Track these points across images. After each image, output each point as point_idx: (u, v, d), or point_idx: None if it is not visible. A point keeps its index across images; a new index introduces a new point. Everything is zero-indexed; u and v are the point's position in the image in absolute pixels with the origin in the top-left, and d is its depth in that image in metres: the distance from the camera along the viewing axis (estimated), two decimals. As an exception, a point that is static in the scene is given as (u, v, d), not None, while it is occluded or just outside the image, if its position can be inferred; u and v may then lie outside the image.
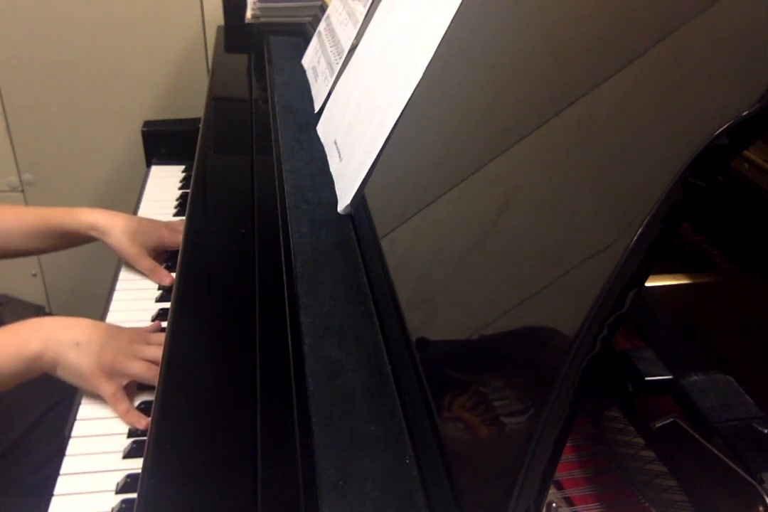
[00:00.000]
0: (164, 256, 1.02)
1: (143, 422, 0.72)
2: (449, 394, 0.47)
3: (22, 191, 1.68)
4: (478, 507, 0.40)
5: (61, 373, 0.75)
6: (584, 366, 0.36)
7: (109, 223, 0.96)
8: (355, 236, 0.69)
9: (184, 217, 0.84)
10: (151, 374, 0.75)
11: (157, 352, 0.74)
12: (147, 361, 0.76)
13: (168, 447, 0.49)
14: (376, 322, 0.58)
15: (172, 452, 0.49)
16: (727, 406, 0.44)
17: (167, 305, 0.84)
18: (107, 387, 0.73)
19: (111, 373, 0.74)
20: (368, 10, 0.91)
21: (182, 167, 1.32)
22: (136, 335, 0.79)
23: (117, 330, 0.79)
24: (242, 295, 0.63)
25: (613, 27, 0.46)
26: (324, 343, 0.55)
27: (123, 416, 0.73)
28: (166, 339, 0.60)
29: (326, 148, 0.84)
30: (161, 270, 0.98)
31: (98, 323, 0.80)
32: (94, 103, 1.62)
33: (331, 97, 0.90)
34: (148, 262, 0.97)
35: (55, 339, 0.74)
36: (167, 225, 1.04)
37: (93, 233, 0.97)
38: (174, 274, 0.95)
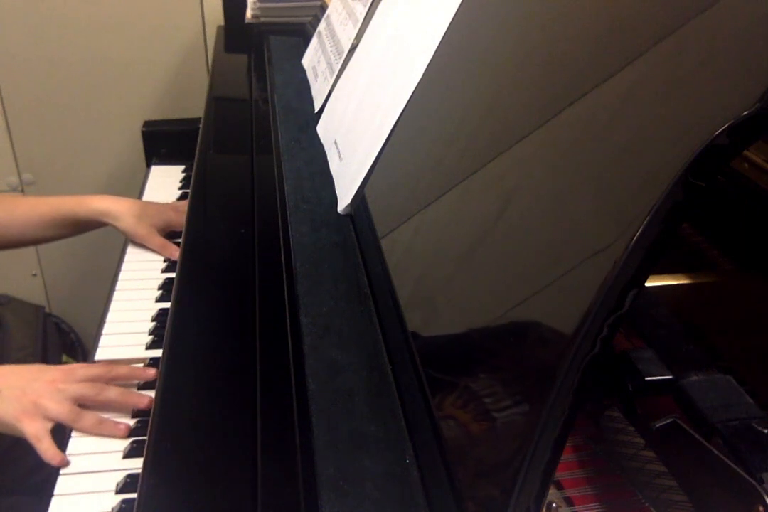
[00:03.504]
0: (169, 235, 1.05)
1: (57, 459, 0.69)
2: (450, 394, 0.47)
3: (22, 191, 1.68)
4: (478, 507, 0.40)
5: None
6: (584, 366, 0.36)
7: (119, 209, 1.01)
8: (355, 236, 0.69)
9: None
10: (71, 417, 0.71)
11: (80, 389, 0.72)
12: (73, 401, 0.72)
13: (168, 447, 0.49)
14: (376, 322, 0.58)
15: (172, 452, 0.49)
16: (727, 406, 0.44)
17: (167, 305, 0.84)
18: (30, 428, 0.70)
19: (34, 416, 0.71)
20: (368, 10, 0.91)
21: (182, 167, 1.32)
22: (61, 373, 0.75)
23: (39, 370, 0.76)
24: (242, 295, 0.63)
25: (614, 27, 0.46)
26: (324, 343, 0.55)
27: (43, 455, 0.69)
28: (166, 338, 0.60)
29: (326, 148, 0.84)
30: (171, 246, 1.01)
31: (19, 367, 0.77)
32: (94, 102, 1.62)
33: (331, 97, 0.90)
34: (158, 240, 1.02)
35: None
36: (173, 207, 1.08)
37: (104, 219, 1.02)
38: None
